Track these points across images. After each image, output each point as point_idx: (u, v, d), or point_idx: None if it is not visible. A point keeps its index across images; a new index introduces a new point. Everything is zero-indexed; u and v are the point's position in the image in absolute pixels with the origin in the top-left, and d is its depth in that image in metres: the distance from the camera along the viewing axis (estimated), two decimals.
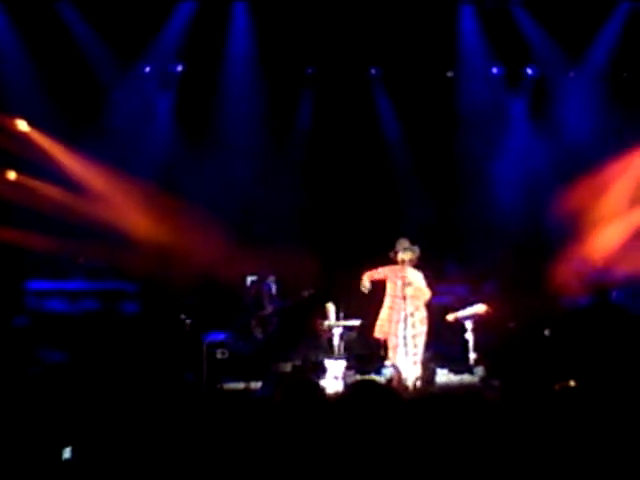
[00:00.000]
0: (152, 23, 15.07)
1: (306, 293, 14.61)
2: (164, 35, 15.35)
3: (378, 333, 12.92)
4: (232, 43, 15.65)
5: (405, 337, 12.53)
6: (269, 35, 15.30)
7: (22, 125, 15.35)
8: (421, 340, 12.69)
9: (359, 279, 12.88)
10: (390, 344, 12.73)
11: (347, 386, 11.81)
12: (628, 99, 15.60)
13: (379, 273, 12.89)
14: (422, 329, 12.72)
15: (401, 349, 12.56)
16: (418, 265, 12.88)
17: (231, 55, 15.74)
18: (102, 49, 15.21)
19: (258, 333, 14.44)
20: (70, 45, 15.06)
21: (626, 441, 5.38)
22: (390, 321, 12.72)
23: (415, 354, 12.62)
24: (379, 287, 13.00)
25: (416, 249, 12.82)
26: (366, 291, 12.78)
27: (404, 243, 12.86)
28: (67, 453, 5.88)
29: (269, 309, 14.60)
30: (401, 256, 12.69)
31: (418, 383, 12.49)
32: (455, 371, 13.72)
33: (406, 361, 12.53)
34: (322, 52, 15.67)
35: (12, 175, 15.41)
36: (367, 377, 11.83)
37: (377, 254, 13.07)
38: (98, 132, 15.02)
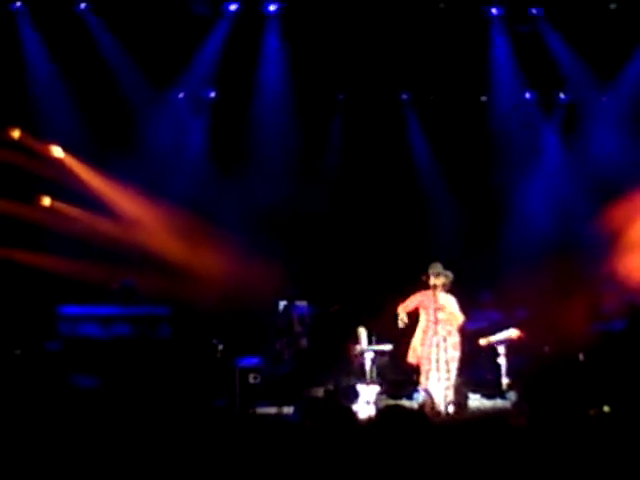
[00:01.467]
0: (186, 49, 15.16)
1: (333, 308, 14.63)
2: (197, 61, 15.44)
3: (411, 358, 12.90)
4: (264, 69, 15.71)
5: (438, 361, 12.50)
6: (300, 61, 15.36)
7: (57, 151, 15.47)
8: (454, 365, 12.64)
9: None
10: (423, 369, 12.69)
11: (378, 411, 11.77)
12: None
13: (412, 302, 12.87)
14: (455, 354, 12.67)
15: (433, 374, 12.52)
16: (451, 290, 12.85)
17: (263, 81, 15.80)
18: (136, 74, 15.31)
19: (286, 355, 14.42)
20: (104, 70, 15.17)
21: None
22: (423, 345, 12.69)
23: (448, 379, 12.57)
24: (411, 312, 12.98)
25: (449, 274, 12.79)
26: (403, 325, 12.77)
27: (437, 267, 12.83)
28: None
29: (299, 331, 14.59)
30: (433, 281, 12.66)
31: (450, 408, 12.44)
32: (487, 396, 13.66)
33: (439, 386, 12.48)
34: (353, 78, 15.71)
35: (47, 201, 15.52)
36: (398, 402, 11.80)
37: (410, 280, 13.06)
38: (131, 157, 15.09)
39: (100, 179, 15.59)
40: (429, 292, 12.76)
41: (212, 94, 16.15)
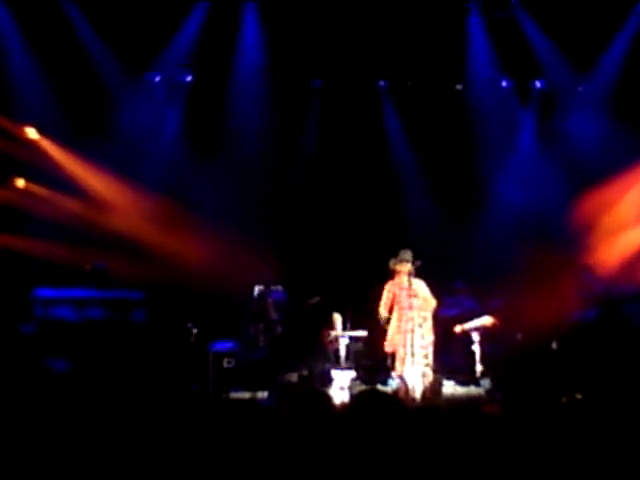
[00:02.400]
0: (162, 33, 15.10)
1: (312, 301, 14.61)
2: (174, 45, 15.37)
3: (388, 347, 12.97)
4: (242, 54, 15.67)
5: (413, 346, 12.55)
6: (278, 46, 15.33)
7: (31, 133, 15.38)
8: (431, 350, 12.73)
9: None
10: (398, 355, 12.75)
11: (353, 396, 11.80)
12: (635, 114, 15.58)
13: (388, 296, 12.93)
14: (431, 338, 12.77)
15: (409, 359, 12.57)
16: (418, 276, 12.93)
17: (240, 66, 15.75)
18: (112, 58, 15.24)
19: (261, 341, 14.40)
20: (80, 54, 15.10)
21: (632, 455, 5.36)
22: (399, 332, 12.75)
23: (427, 365, 12.65)
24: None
25: (417, 263, 12.85)
26: (385, 321, 12.87)
27: (407, 254, 12.90)
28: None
29: (273, 317, 14.57)
30: (398, 267, 12.79)
31: (425, 394, 12.49)
32: (461, 383, 13.71)
33: (414, 372, 12.53)
34: (330, 64, 15.67)
35: (21, 183, 15.44)
36: (372, 387, 11.83)
37: (383, 266, 13.10)
38: (106, 140, 15.04)
39: (75, 161, 15.51)
40: (399, 279, 12.84)
41: (188, 78, 16.06)
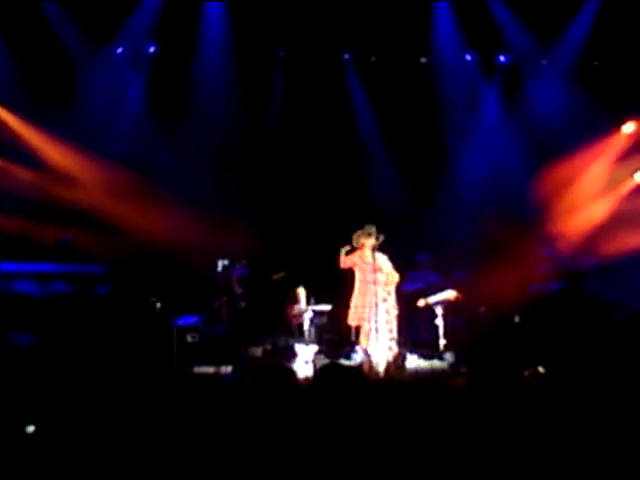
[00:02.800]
0: (125, 3, 14.94)
1: (276, 276, 14.59)
2: (137, 16, 15.22)
3: (352, 320, 12.97)
4: (205, 24, 15.56)
5: (377, 322, 12.58)
6: (242, 16, 15.22)
7: None
8: (395, 324, 12.77)
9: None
10: (363, 330, 12.77)
11: (316, 370, 11.83)
12: (599, 88, 15.65)
13: (349, 260, 12.92)
14: (395, 312, 12.81)
15: (373, 334, 12.60)
16: (383, 250, 12.95)
17: (204, 36, 15.64)
18: (75, 29, 15.07)
19: (224, 314, 14.37)
20: (41, 24, 14.91)
21: (595, 429, 5.41)
22: (364, 306, 12.76)
23: (391, 339, 12.69)
24: (349, 273, 13.03)
25: (381, 237, 12.86)
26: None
27: (369, 229, 12.90)
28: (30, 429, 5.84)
29: (238, 291, 14.54)
30: (362, 241, 12.80)
31: (389, 368, 12.54)
32: (425, 357, 13.76)
33: (379, 346, 12.57)
34: (294, 35, 15.59)
35: None
36: (336, 361, 11.86)
37: (347, 239, 13.10)
38: (69, 113, 14.90)
39: (37, 135, 15.36)
40: (364, 252, 12.84)
41: (152, 49, 15.91)
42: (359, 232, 12.94)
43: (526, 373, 7.65)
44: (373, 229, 12.92)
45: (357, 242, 12.91)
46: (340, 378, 5.65)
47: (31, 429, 5.80)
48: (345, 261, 12.88)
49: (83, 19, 14.96)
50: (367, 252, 12.84)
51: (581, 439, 5.30)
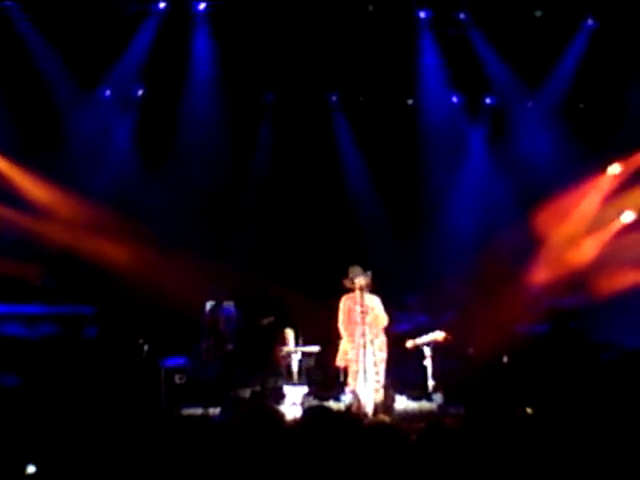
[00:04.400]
0: (113, 47, 15.02)
1: (265, 321, 14.55)
2: (125, 59, 15.30)
3: (340, 361, 12.90)
4: (193, 67, 15.63)
5: (365, 363, 12.52)
6: (229, 59, 15.31)
7: None
8: (382, 366, 12.68)
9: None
10: (350, 370, 12.69)
11: (304, 412, 11.78)
12: (584, 129, 15.76)
13: (344, 312, 12.83)
14: (382, 355, 12.71)
15: (361, 375, 12.53)
16: (374, 290, 12.90)
17: (192, 79, 15.72)
18: (63, 71, 15.12)
19: (211, 356, 14.28)
20: (30, 67, 14.97)
21: (582, 468, 5.41)
22: (353, 348, 12.69)
23: (378, 381, 12.59)
24: (337, 314, 13.00)
25: (369, 274, 12.82)
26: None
27: (356, 270, 12.85)
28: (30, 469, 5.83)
29: (225, 333, 14.49)
30: (358, 282, 12.70)
31: (377, 410, 12.47)
32: (413, 398, 13.71)
33: (366, 388, 12.50)
34: (282, 78, 15.69)
35: None
36: (324, 404, 11.80)
37: (335, 281, 13.06)
38: (57, 154, 14.92)
39: (24, 175, 15.36)
40: (353, 294, 12.80)
41: (140, 92, 15.98)
42: (345, 280, 12.85)
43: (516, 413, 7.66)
44: (357, 270, 12.85)
45: (350, 287, 12.83)
46: (327, 420, 5.63)
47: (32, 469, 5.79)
48: (344, 319, 12.82)
49: (71, 62, 15.01)
50: (357, 292, 12.79)
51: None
